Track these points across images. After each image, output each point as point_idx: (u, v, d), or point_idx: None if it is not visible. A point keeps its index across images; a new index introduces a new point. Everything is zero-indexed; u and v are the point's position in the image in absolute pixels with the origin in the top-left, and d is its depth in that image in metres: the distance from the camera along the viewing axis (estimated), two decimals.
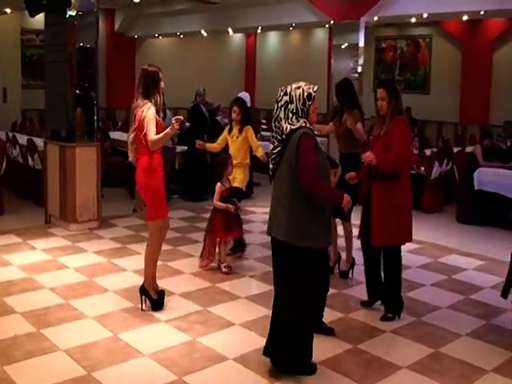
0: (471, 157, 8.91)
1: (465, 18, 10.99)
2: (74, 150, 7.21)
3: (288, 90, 3.83)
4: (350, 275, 5.91)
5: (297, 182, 3.78)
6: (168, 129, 4.65)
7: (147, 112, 4.67)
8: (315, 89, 3.86)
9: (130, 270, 5.99)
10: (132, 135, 4.80)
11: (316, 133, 4.19)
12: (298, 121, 3.81)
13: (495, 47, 12.90)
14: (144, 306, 4.97)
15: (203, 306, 5.10)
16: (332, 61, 10.80)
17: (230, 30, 14.44)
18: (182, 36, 15.33)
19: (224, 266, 5.92)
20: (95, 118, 7.41)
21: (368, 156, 4.63)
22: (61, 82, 7.36)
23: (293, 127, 3.79)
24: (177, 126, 4.58)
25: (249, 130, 6.31)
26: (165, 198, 4.99)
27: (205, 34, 14.65)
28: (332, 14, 10.76)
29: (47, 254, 6.45)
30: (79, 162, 7.22)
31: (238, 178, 6.19)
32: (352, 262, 5.92)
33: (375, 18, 10.49)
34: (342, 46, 10.60)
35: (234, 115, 6.32)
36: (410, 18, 11.33)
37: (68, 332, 4.57)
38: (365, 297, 5.21)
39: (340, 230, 6.02)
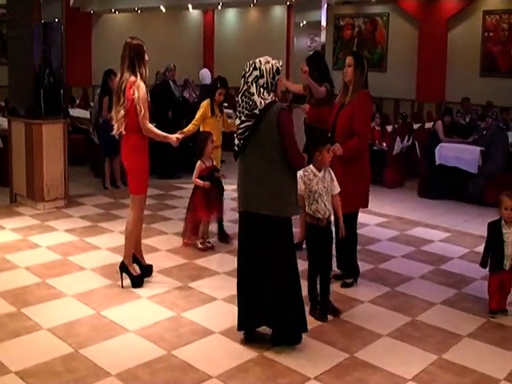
0: (432, 133, 9.15)
1: None
2: (41, 127, 7.04)
3: (257, 65, 3.85)
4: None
5: (278, 157, 3.84)
6: (168, 135, 4.92)
7: (140, 92, 4.64)
8: (281, 63, 3.95)
9: (104, 248, 5.95)
10: (122, 112, 4.74)
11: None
12: (269, 95, 3.86)
13: (450, 26, 13.17)
14: (124, 282, 4.96)
15: (183, 282, 5.12)
16: (294, 38, 10.79)
17: (189, 7, 14.24)
18: (139, 12, 15.02)
19: (207, 242, 5.97)
20: (61, 94, 7.25)
21: (338, 150, 4.76)
22: (25, 59, 7.14)
23: (267, 101, 3.82)
24: (174, 144, 4.99)
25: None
26: (148, 174, 5.01)
27: (164, 10, 14.39)
28: None
29: (17, 233, 6.32)
30: (46, 139, 7.07)
31: (218, 158, 6.17)
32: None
33: None
34: (302, 24, 10.62)
35: (219, 97, 6.07)
36: None
37: (49, 311, 4.53)
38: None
39: None
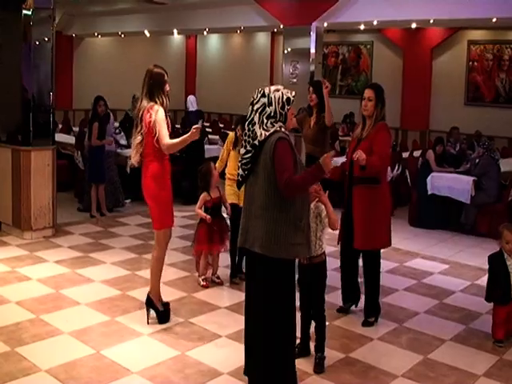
0: (424, 162, 9.14)
1: (413, 26, 11.29)
2: (30, 154, 6.80)
3: (266, 92, 3.61)
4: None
5: (272, 191, 3.55)
6: (186, 135, 4.49)
7: (157, 115, 4.47)
8: (293, 94, 3.67)
9: (98, 281, 5.70)
10: (139, 138, 4.57)
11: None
12: (273, 126, 3.59)
13: (435, 55, 13.32)
14: (149, 318, 4.76)
15: (184, 318, 4.91)
16: (283, 65, 10.79)
17: (174, 32, 14.18)
18: (123, 36, 14.89)
19: (215, 277, 5.76)
20: (51, 119, 7.03)
21: (361, 154, 4.47)
22: (13, 81, 6.92)
23: (267, 133, 3.58)
24: (196, 136, 4.44)
25: None
26: (172, 206, 4.78)
27: (148, 35, 14.29)
28: (282, 19, 10.76)
29: (5, 264, 6.04)
30: (34, 166, 6.83)
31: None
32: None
33: (325, 24, 10.57)
34: (287, 51, 10.65)
35: (238, 133, 5.65)
36: (360, 25, 11.52)
37: (46, 350, 4.27)
38: (339, 302, 5.19)
39: None
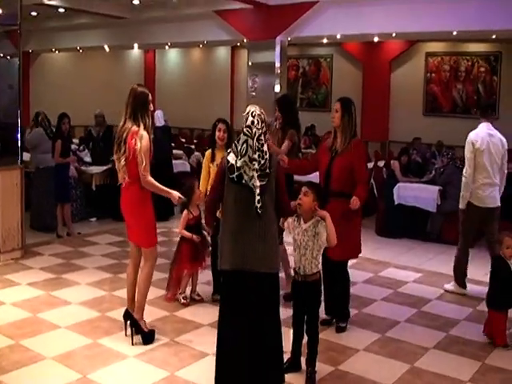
0: (389, 173, 9.31)
1: (376, 39, 11.52)
2: None
3: (263, 117, 3.74)
4: None
5: (273, 210, 3.77)
6: (168, 191, 4.59)
7: (142, 144, 4.42)
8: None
9: (75, 303, 5.57)
10: (123, 161, 4.51)
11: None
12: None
13: (393, 67, 13.62)
14: (134, 339, 4.69)
15: (169, 337, 4.84)
16: (248, 79, 10.82)
17: (135, 46, 14.08)
18: (81, 51, 14.70)
19: (196, 295, 5.70)
20: (18, 137, 6.86)
21: (357, 204, 4.77)
22: None
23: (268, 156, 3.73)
24: (174, 201, 4.67)
25: None
26: (155, 222, 4.74)
27: (107, 50, 14.14)
28: (247, 33, 10.82)
29: None
30: (2, 186, 6.64)
31: None
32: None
33: (289, 38, 10.68)
34: (250, 64, 10.71)
35: (219, 134, 5.46)
36: (323, 39, 11.67)
37: (30, 377, 4.15)
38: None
39: None
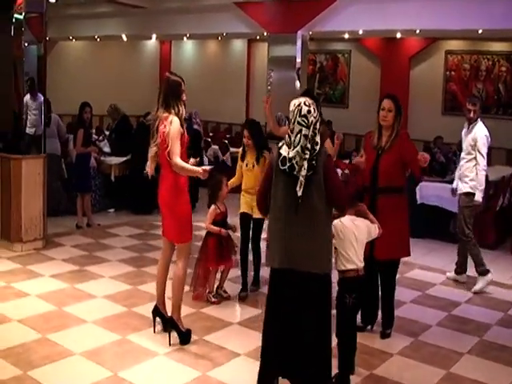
0: (411, 172, 9.15)
1: (398, 35, 11.35)
2: (20, 163, 6.52)
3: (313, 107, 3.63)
4: None
5: (323, 206, 3.60)
6: (197, 170, 4.35)
7: (171, 127, 4.29)
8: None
9: (100, 296, 5.48)
10: (154, 149, 4.40)
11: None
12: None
13: (413, 64, 13.43)
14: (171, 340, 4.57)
15: (198, 335, 4.73)
16: (271, 72, 10.67)
17: (153, 36, 13.93)
18: (98, 40, 14.56)
19: (223, 291, 5.59)
20: (42, 126, 6.76)
21: (427, 158, 4.62)
22: (6, 90, 6.65)
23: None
24: (203, 177, 4.36)
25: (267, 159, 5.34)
26: (191, 217, 4.61)
27: (125, 39, 14.00)
28: (267, 26, 10.67)
29: None
30: (25, 175, 6.54)
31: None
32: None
33: (310, 33, 10.53)
34: (271, 57, 10.57)
35: (244, 140, 5.60)
36: (344, 34, 11.52)
37: (60, 373, 4.06)
38: None
39: None
